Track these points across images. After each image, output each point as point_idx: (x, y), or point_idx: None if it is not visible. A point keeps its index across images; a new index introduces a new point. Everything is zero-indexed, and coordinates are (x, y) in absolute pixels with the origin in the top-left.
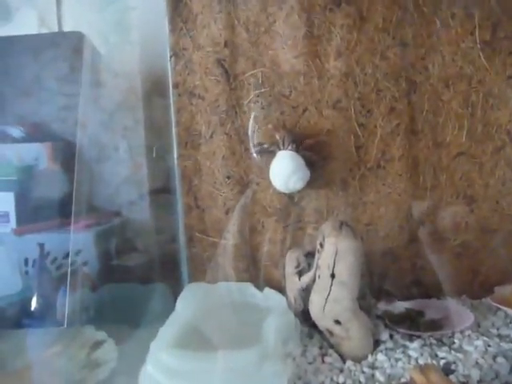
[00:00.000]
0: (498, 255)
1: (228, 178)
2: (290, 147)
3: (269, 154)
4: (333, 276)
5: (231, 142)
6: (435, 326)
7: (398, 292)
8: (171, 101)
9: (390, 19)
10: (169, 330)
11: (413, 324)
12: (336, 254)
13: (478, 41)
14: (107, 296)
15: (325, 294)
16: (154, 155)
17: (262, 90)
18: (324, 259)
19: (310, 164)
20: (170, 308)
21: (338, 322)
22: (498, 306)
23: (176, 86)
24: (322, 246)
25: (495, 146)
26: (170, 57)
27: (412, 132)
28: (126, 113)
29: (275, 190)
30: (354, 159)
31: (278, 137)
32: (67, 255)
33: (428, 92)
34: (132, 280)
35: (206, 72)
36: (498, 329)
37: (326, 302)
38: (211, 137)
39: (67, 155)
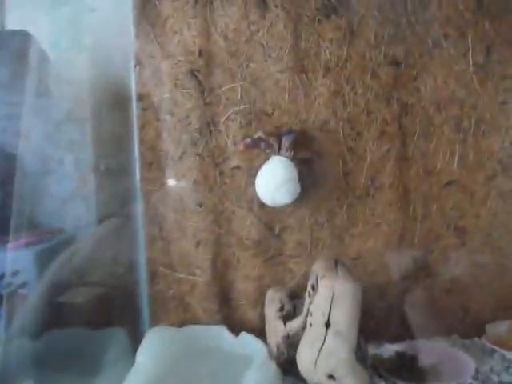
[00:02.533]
0: (490, 291)
1: (200, 205)
2: (286, 153)
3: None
4: (328, 325)
5: (204, 164)
6: (433, 374)
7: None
8: (134, 115)
9: (381, 35)
10: None
11: (408, 373)
12: (332, 298)
13: (471, 63)
14: (52, 344)
15: (318, 346)
16: (102, 168)
17: (241, 107)
18: (318, 305)
19: (301, 179)
20: (128, 357)
21: (331, 378)
22: (494, 347)
23: (140, 98)
24: (314, 288)
25: (487, 174)
26: (135, 65)
27: (403, 158)
28: (75, 125)
29: (253, 220)
30: (342, 186)
31: (271, 141)
32: (2, 276)
33: (420, 115)
34: (79, 322)
35: (176, 84)
36: (498, 375)
37: (318, 355)
38: (180, 158)
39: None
